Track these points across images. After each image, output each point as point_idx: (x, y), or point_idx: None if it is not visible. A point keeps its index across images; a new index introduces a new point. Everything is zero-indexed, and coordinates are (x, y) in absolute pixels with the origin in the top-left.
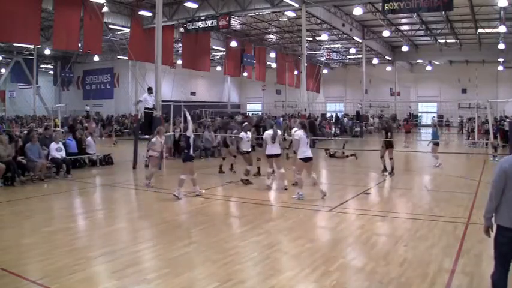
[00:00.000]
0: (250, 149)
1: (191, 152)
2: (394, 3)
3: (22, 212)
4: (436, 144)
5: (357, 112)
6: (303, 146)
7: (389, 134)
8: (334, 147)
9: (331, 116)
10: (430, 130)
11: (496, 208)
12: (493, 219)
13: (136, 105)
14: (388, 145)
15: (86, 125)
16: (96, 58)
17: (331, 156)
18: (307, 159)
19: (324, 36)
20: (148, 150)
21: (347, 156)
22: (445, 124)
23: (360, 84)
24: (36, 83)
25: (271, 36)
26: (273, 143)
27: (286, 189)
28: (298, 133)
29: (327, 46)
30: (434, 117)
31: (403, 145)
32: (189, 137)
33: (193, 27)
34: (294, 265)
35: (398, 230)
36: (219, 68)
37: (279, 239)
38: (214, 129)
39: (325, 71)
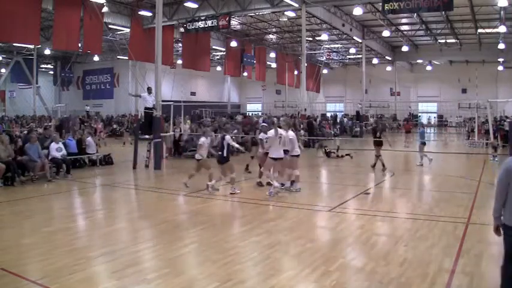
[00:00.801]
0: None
1: (225, 153)
2: (394, 3)
3: (22, 212)
4: (423, 143)
5: (357, 112)
6: (273, 145)
7: (377, 133)
8: (331, 146)
9: (331, 115)
10: (429, 130)
11: (503, 207)
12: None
13: (133, 96)
14: (378, 143)
15: (94, 125)
16: (96, 58)
17: (328, 155)
18: (276, 159)
19: (324, 36)
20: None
21: (342, 156)
22: (443, 124)
23: (360, 84)
24: (36, 83)
25: (271, 36)
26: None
27: (283, 185)
28: (270, 132)
29: (327, 46)
30: (431, 117)
31: (403, 145)
32: (224, 139)
33: (193, 27)
34: (294, 265)
35: (398, 230)
36: (219, 68)
37: (279, 239)
38: (214, 129)
39: (325, 71)
